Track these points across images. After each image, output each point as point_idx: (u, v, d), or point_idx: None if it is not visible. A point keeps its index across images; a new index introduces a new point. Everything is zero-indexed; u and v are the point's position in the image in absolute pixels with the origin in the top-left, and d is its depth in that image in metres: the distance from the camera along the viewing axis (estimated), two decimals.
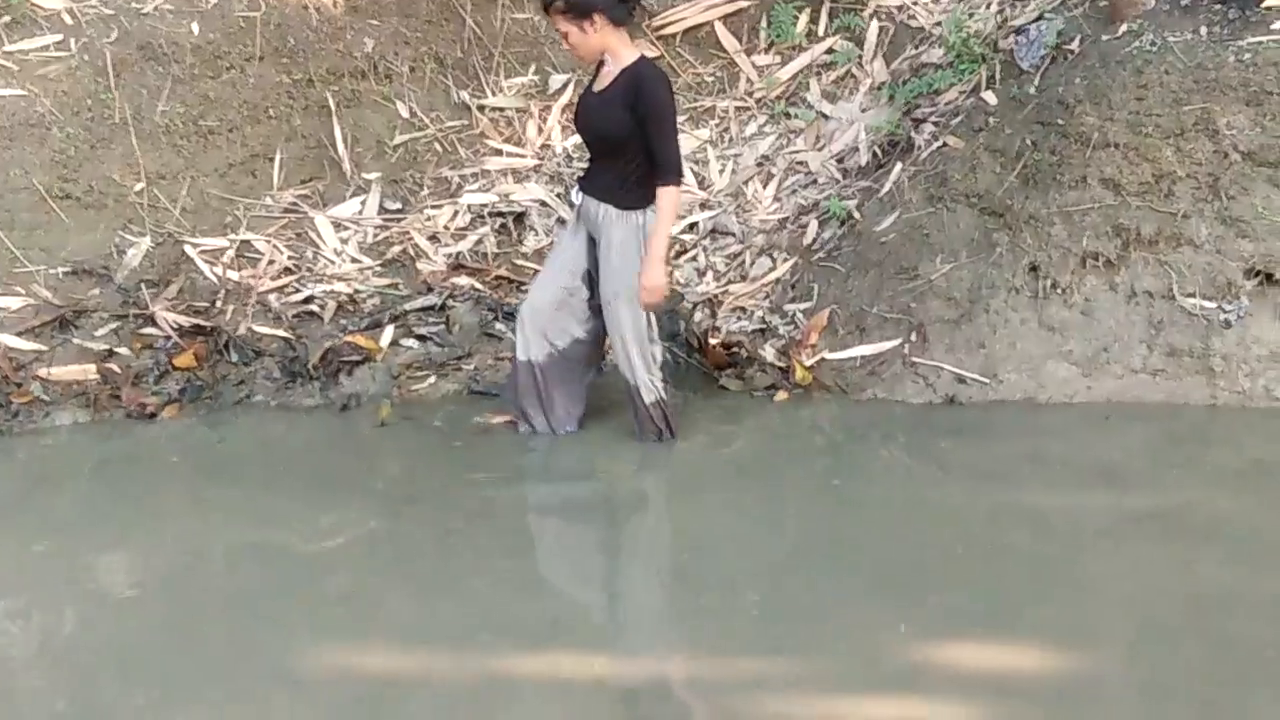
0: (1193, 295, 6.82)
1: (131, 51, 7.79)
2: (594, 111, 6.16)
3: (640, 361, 6.25)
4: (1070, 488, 6.05)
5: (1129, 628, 4.87)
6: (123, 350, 7.09)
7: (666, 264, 6.14)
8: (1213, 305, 6.80)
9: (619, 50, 6.04)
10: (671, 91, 6.14)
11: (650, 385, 6.31)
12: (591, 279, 6.31)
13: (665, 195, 6.00)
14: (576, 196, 6.30)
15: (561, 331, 6.36)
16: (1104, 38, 7.38)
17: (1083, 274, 6.92)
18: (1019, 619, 4.91)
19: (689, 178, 8.03)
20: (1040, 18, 7.78)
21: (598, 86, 6.16)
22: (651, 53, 8.48)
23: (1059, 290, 6.90)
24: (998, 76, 7.70)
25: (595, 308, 6.36)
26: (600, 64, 6.16)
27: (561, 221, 7.90)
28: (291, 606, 5.18)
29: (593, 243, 6.26)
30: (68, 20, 7.78)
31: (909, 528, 5.67)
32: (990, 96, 7.61)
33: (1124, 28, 7.35)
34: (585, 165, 6.47)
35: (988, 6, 8.23)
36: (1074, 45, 7.46)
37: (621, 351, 6.28)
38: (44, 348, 7.02)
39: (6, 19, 7.67)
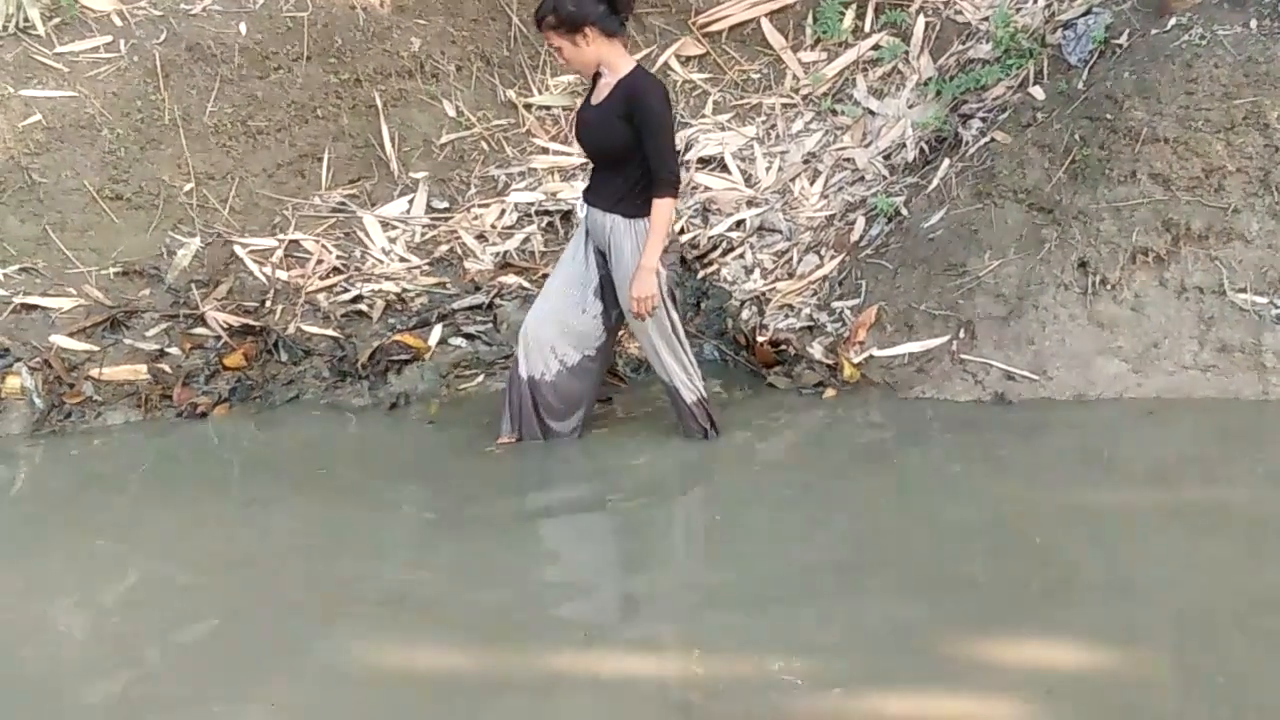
0: (1243, 290, 6.78)
1: (180, 52, 7.83)
2: (592, 124, 6.13)
3: (674, 362, 6.26)
4: (1120, 484, 6.01)
5: (1177, 626, 4.83)
6: (173, 350, 7.14)
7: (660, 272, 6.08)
8: (1264, 300, 6.76)
9: (614, 61, 6.01)
10: (668, 101, 6.09)
11: (689, 384, 6.32)
12: (603, 293, 6.30)
13: (660, 207, 5.96)
14: (582, 210, 6.29)
15: (571, 349, 6.32)
16: (1153, 32, 7.34)
17: (1132, 270, 6.88)
18: (1065, 616, 4.88)
19: (735, 174, 8.03)
20: (1088, 12, 7.74)
21: (595, 99, 6.12)
22: (697, 49, 8.48)
23: (1108, 286, 6.86)
24: (1046, 71, 7.68)
25: (610, 326, 6.36)
26: (597, 76, 6.13)
27: None
28: (341, 605, 5.19)
29: (602, 256, 6.24)
30: (117, 22, 7.82)
31: (957, 524, 5.65)
32: (1038, 91, 7.58)
33: (1173, 21, 7.31)
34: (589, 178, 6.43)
35: (1035, 1, 8.19)
36: (1122, 39, 7.42)
37: (654, 357, 6.28)
38: (96, 348, 7.07)
39: (57, 21, 7.72)
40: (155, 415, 6.93)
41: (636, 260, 6.03)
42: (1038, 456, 6.32)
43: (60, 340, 7.05)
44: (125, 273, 7.40)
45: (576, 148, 7.92)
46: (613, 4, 5.94)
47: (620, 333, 6.60)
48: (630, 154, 5.97)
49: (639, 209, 6.01)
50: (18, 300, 7.14)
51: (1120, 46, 7.40)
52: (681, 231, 7.79)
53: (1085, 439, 6.43)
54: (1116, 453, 6.32)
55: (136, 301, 7.28)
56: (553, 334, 6.29)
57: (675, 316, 6.24)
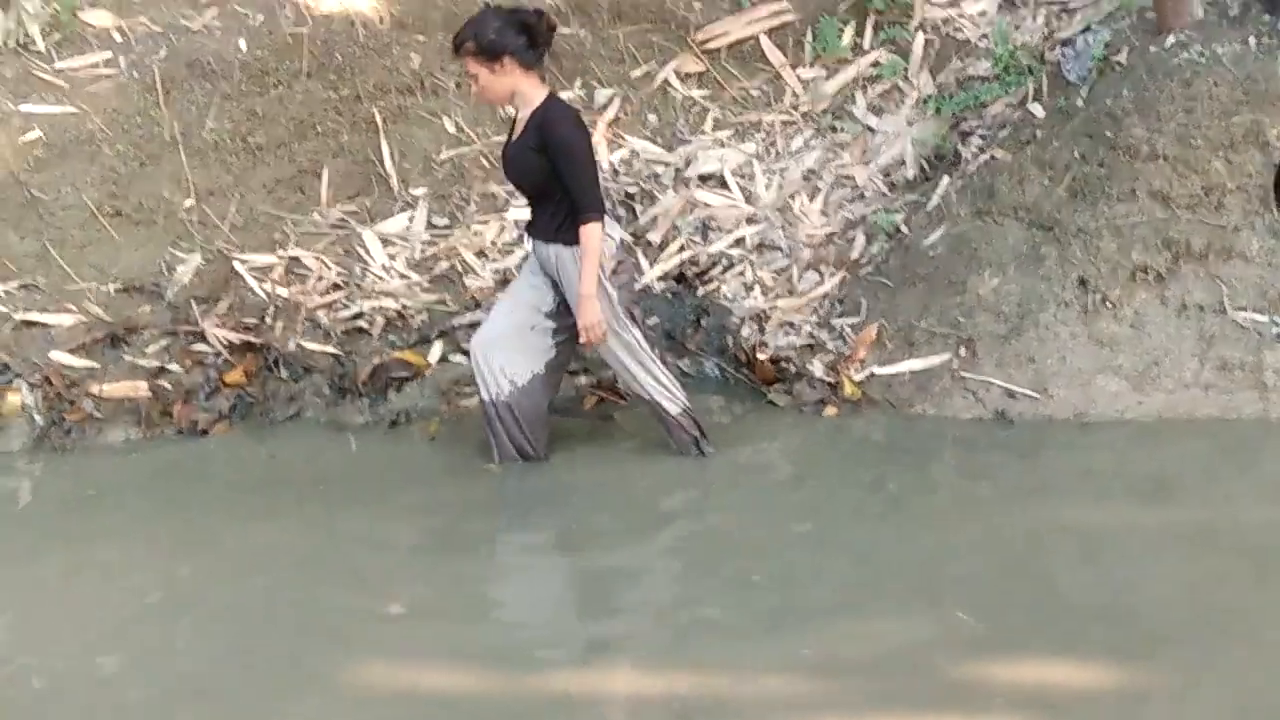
0: (1244, 308, 6.80)
1: (180, 68, 7.84)
2: (513, 160, 6.14)
3: (648, 377, 6.25)
4: (1121, 503, 6.03)
5: (1179, 644, 4.84)
6: (173, 367, 7.14)
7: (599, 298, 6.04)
8: (1264, 318, 6.77)
9: (529, 94, 6.01)
10: (582, 127, 6.11)
11: (670, 396, 6.32)
12: (558, 314, 6.29)
13: (587, 234, 5.94)
14: (528, 244, 6.28)
15: (521, 369, 6.30)
16: (1152, 49, 7.35)
17: (1133, 287, 6.89)
18: (1067, 636, 4.89)
19: (735, 191, 8.02)
20: (1087, 29, 7.76)
21: (514, 135, 6.12)
22: (696, 66, 8.49)
23: (1109, 304, 6.87)
24: (1045, 89, 7.69)
25: (559, 342, 6.34)
26: (516, 110, 6.13)
27: (608, 237, 7.91)
28: (343, 623, 5.20)
29: (555, 283, 6.24)
30: (117, 38, 7.84)
31: (958, 543, 5.66)
32: (1037, 109, 7.60)
33: (1172, 39, 7.32)
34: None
35: (1034, 19, 8.21)
36: (1122, 57, 7.44)
37: (628, 376, 6.28)
38: (96, 365, 7.07)
39: (57, 37, 7.73)
40: (155, 432, 6.92)
41: None
42: (1038, 475, 6.35)
43: (60, 357, 7.04)
44: (125, 289, 7.39)
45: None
46: (532, 37, 5.95)
47: (571, 353, 6.58)
48: (553, 185, 5.97)
49: (577, 236, 5.99)
50: (18, 317, 7.13)
51: (1119, 64, 7.42)
52: (681, 248, 7.78)
53: (1086, 457, 6.43)
54: (1117, 471, 6.34)
55: (137, 318, 7.27)
56: (501, 357, 6.28)
57: (638, 333, 6.24)
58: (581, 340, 6.09)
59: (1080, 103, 7.39)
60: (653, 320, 7.44)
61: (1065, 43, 7.79)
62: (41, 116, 7.53)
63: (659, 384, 6.29)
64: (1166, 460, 6.41)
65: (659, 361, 6.34)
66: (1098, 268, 6.92)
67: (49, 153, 7.50)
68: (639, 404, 6.48)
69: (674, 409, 6.34)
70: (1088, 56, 7.58)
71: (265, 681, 4.79)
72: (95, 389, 6.98)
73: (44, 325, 7.15)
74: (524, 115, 6.05)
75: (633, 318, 6.26)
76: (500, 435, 6.37)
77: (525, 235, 6.38)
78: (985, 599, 5.18)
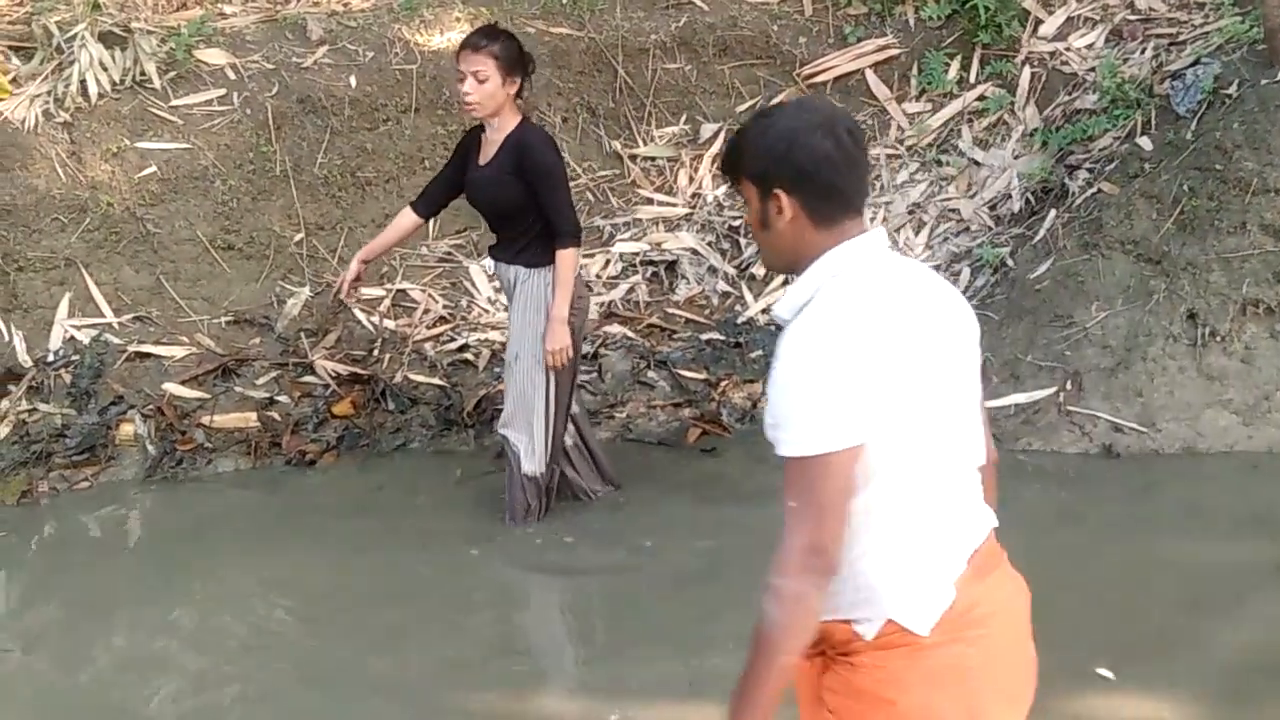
0: None
1: (291, 105, 7.95)
2: (484, 185, 6.05)
3: (525, 424, 6.08)
4: (1228, 538, 5.95)
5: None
6: (283, 398, 7.23)
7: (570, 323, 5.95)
8: None
9: (507, 117, 5.95)
10: (558, 152, 6.07)
11: (532, 455, 6.12)
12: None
13: (563, 258, 5.88)
14: (491, 267, 6.21)
15: (539, 412, 6.13)
16: (1263, 82, 7.27)
17: (1243, 321, 6.81)
18: (1166, 671, 4.85)
19: None
20: (1197, 62, 7.68)
21: (482, 159, 6.05)
22: None
23: (1218, 338, 6.79)
24: (1153, 122, 7.62)
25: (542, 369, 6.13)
26: (481, 137, 6.07)
27: (712, 270, 7.94)
28: (452, 649, 5.25)
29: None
30: (231, 75, 7.96)
31: (1063, 576, 5.61)
32: (1146, 142, 7.52)
33: None
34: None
35: (1142, 52, 8.14)
36: (1232, 89, 7.36)
37: (516, 410, 6.10)
38: (207, 396, 7.18)
39: (172, 74, 7.86)
40: (264, 462, 7.02)
41: (524, 311, 5.99)
42: (1143, 509, 6.27)
43: (172, 388, 7.16)
44: (236, 321, 7.52)
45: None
46: (527, 73, 5.99)
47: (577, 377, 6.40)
48: (525, 209, 5.91)
49: (539, 258, 5.94)
50: (132, 348, 7.26)
51: (1229, 96, 7.34)
52: (786, 282, 7.79)
53: (1192, 492, 6.36)
54: (1226, 505, 6.25)
55: (247, 350, 7.39)
56: (508, 410, 6.19)
57: (554, 389, 6.08)
58: (548, 363, 5.96)
59: (1189, 136, 7.32)
60: (756, 354, 7.44)
61: (1174, 76, 7.72)
62: (157, 152, 7.66)
63: (530, 437, 6.10)
64: (1274, 496, 6.31)
65: (555, 420, 6.13)
66: (1207, 301, 6.84)
67: (164, 188, 7.62)
68: (504, 443, 6.25)
69: (527, 468, 6.14)
70: (1197, 89, 7.50)
71: (371, 708, 4.84)
72: (206, 420, 7.09)
73: (157, 357, 7.28)
74: (495, 139, 5.97)
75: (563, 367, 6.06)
76: (572, 479, 6.38)
77: (488, 259, 6.31)
78: (1086, 632, 5.13)
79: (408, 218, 6.38)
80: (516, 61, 5.88)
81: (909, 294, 2.85)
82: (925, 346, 2.80)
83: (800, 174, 2.77)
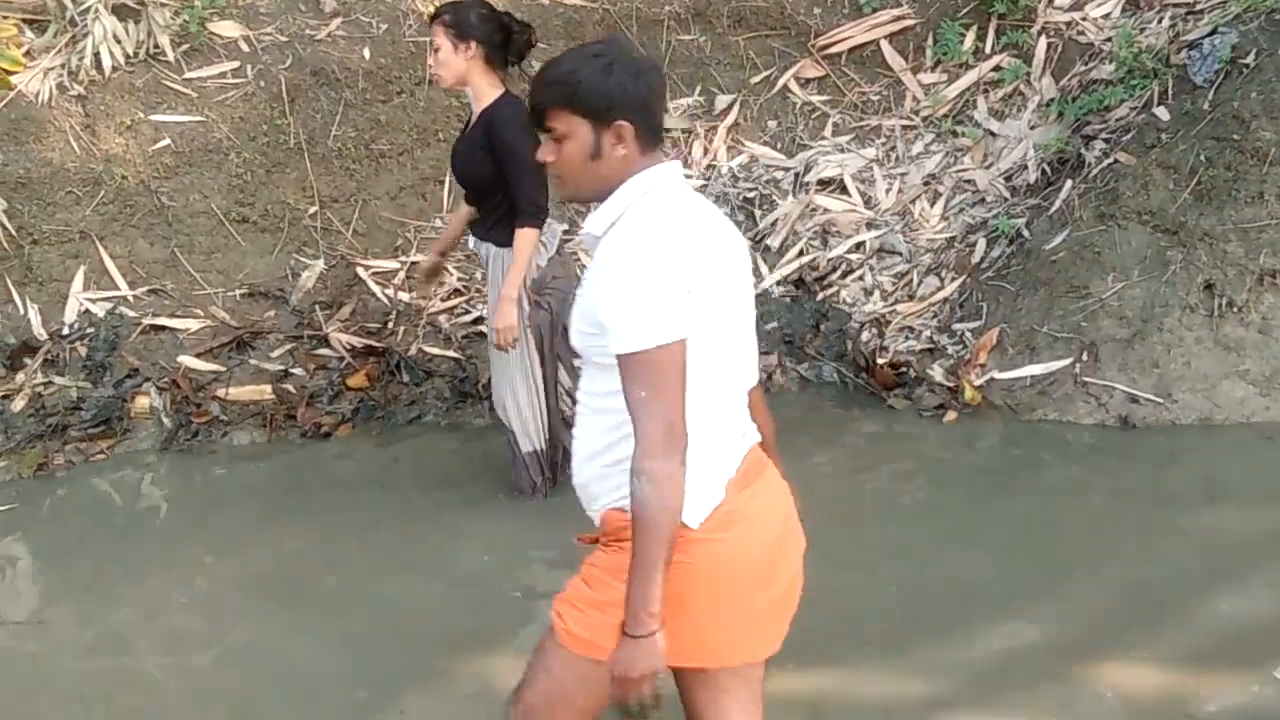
0: None
1: (305, 77, 7.93)
2: (460, 156, 6.05)
3: (514, 405, 6.09)
4: (1244, 509, 5.93)
5: None
6: (297, 371, 7.24)
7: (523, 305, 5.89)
8: None
9: (483, 90, 5.88)
10: (527, 129, 5.75)
11: (529, 434, 6.14)
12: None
13: (521, 236, 5.79)
14: (471, 242, 6.18)
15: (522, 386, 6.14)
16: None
17: (1260, 291, 6.78)
18: (1181, 641, 4.85)
19: (854, 196, 8.00)
20: (1214, 31, 7.63)
21: (466, 130, 6.05)
22: (816, 72, 8.47)
23: (1235, 308, 6.76)
24: (1170, 92, 7.57)
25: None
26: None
27: None
28: (466, 620, 5.25)
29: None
30: (244, 48, 7.94)
31: (1077, 546, 5.62)
32: (1162, 112, 7.48)
33: None
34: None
35: (1159, 21, 8.09)
36: (1249, 59, 7.31)
37: (504, 393, 6.10)
38: (222, 369, 7.19)
39: (186, 47, 7.84)
40: (279, 435, 7.04)
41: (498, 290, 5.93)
42: (1159, 480, 6.25)
43: (188, 361, 7.17)
44: (251, 294, 7.52)
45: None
46: (508, 40, 5.89)
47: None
48: (495, 185, 5.86)
49: (507, 236, 5.87)
50: (147, 321, 7.28)
51: (1247, 66, 7.29)
52: (800, 253, 7.78)
53: (1208, 463, 6.34)
54: (1243, 477, 6.23)
55: (262, 323, 7.39)
56: (496, 392, 6.21)
57: (536, 359, 6.05)
58: (493, 341, 5.94)
59: (1206, 106, 7.28)
60: (771, 325, 7.43)
61: (1191, 45, 7.67)
62: (171, 125, 7.65)
63: (523, 419, 6.10)
64: None
65: (543, 395, 6.11)
66: (1224, 272, 6.82)
67: (178, 161, 7.61)
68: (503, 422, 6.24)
69: (526, 447, 6.15)
70: (1214, 59, 7.45)
71: (390, 682, 4.85)
72: (221, 392, 7.11)
73: (172, 330, 7.29)
74: (476, 111, 5.94)
75: (541, 339, 6.02)
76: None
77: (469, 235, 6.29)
78: (1099, 604, 5.15)
79: (465, 205, 6.33)
80: (468, 28, 5.80)
81: (706, 216, 3.26)
82: (720, 264, 3.18)
83: (642, 106, 3.16)
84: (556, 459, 6.20)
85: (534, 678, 3.37)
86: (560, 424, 6.14)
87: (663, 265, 3.04)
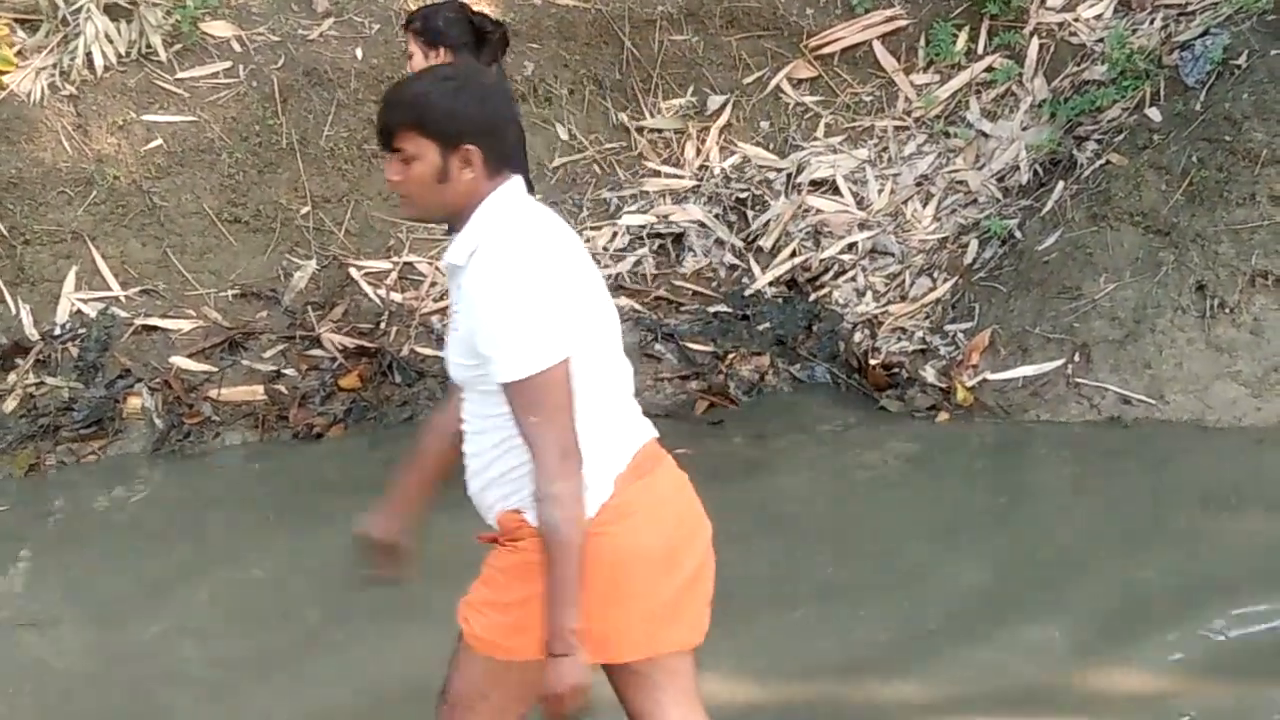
0: None
1: (298, 77, 7.92)
2: None
3: None
4: (1235, 511, 5.95)
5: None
6: (289, 371, 7.23)
7: None
8: None
9: None
10: None
11: None
12: None
13: None
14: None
15: None
16: (1272, 52, 7.25)
17: (1251, 293, 6.80)
18: (1170, 645, 4.87)
19: (846, 196, 8.01)
20: (1206, 33, 7.64)
21: None
22: (808, 72, 8.47)
23: (1227, 309, 6.78)
24: (1162, 93, 7.58)
25: None
26: None
27: (720, 242, 7.92)
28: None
29: None
30: (236, 48, 7.93)
31: (1067, 548, 5.63)
32: (1155, 113, 7.49)
33: None
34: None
35: (1151, 22, 8.10)
36: (1241, 60, 7.32)
37: None
38: (214, 369, 7.18)
39: (178, 47, 7.83)
40: (271, 436, 7.02)
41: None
42: (1150, 481, 6.26)
43: (179, 361, 7.16)
44: (243, 295, 7.50)
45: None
46: (480, 41, 5.91)
47: None
48: None
49: None
50: (138, 322, 7.25)
51: (1239, 68, 7.31)
52: (793, 254, 7.78)
53: (1200, 464, 6.35)
54: (1235, 479, 6.24)
55: (254, 323, 7.38)
56: None
57: None
58: None
59: (1198, 107, 7.29)
60: (763, 326, 7.44)
61: (1183, 46, 7.68)
62: (163, 125, 7.63)
63: None
64: None
65: None
66: (1216, 273, 6.83)
67: (170, 161, 7.60)
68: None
69: None
70: (1206, 60, 7.47)
71: (382, 690, 4.85)
72: (213, 393, 7.10)
73: (164, 330, 7.27)
74: None
75: None
76: None
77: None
78: (1095, 607, 5.15)
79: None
80: (437, 35, 5.86)
81: (557, 227, 3.31)
82: (580, 271, 3.26)
83: (490, 130, 3.19)
84: None
85: (451, 679, 3.48)
86: None
87: (536, 288, 3.11)
